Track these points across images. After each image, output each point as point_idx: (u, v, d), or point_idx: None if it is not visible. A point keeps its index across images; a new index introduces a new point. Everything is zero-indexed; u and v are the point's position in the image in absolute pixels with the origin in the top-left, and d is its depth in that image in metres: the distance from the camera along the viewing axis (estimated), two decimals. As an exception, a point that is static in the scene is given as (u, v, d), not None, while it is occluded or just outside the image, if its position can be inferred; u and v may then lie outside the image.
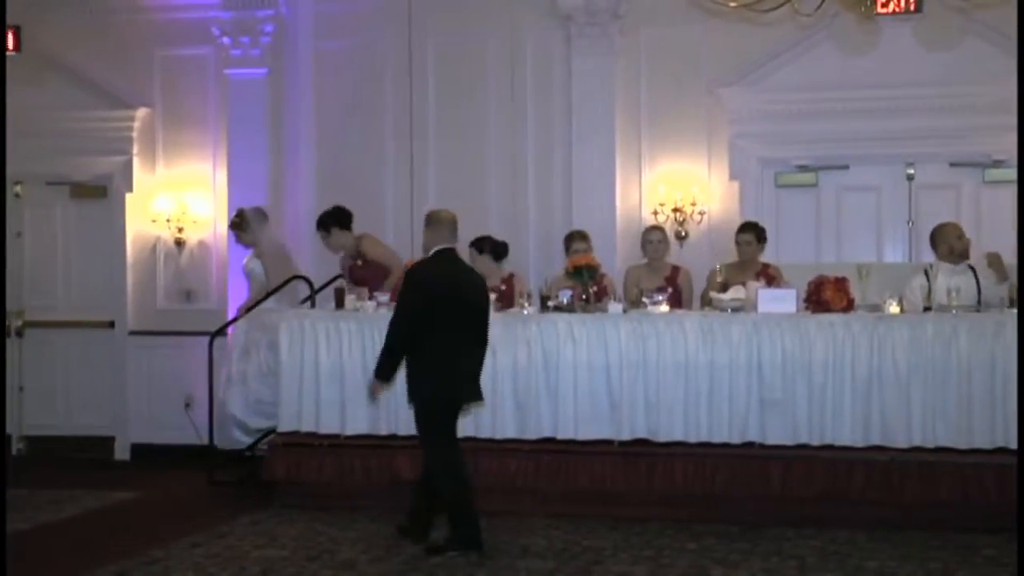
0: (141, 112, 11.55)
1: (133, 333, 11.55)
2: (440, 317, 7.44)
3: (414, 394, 7.54)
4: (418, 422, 7.67)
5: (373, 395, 8.14)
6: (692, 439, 8.44)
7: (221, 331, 10.00)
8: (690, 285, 9.64)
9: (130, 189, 11.59)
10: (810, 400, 8.23)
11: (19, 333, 11.86)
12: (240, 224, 10.05)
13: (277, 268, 9.95)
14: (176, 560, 7.34)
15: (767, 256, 9.67)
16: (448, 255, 7.69)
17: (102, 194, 11.76)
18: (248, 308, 9.81)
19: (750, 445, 8.35)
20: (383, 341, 7.61)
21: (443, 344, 7.47)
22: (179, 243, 11.47)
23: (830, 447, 8.22)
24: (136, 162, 11.59)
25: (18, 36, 11.69)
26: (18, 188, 11.89)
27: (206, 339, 10.01)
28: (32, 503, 8.86)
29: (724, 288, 9.08)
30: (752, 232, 9.51)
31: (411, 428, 8.70)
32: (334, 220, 9.92)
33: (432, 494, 7.69)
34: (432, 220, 7.81)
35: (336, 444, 8.82)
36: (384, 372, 7.59)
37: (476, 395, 7.74)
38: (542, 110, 11.10)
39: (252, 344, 9.66)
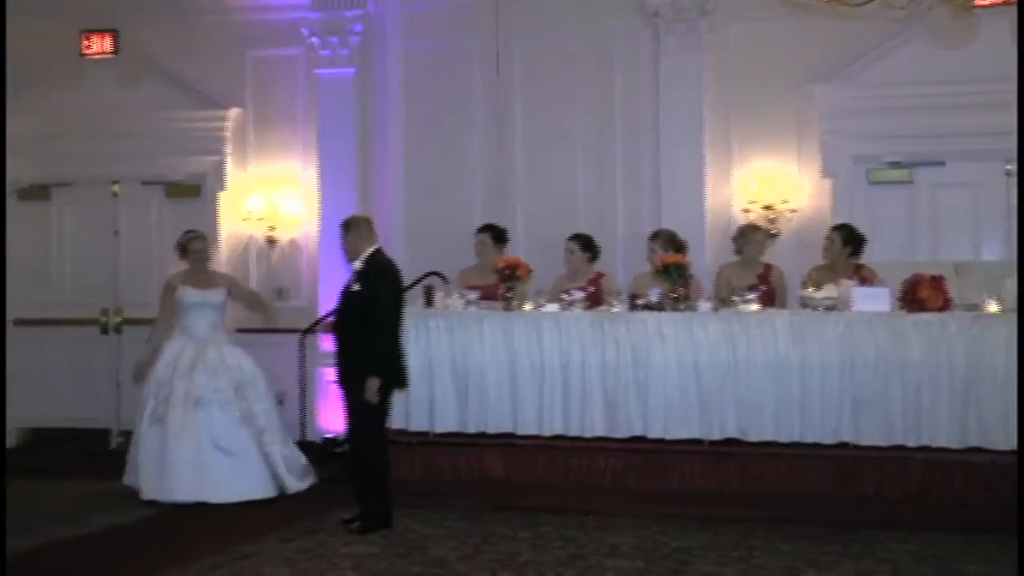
0: (233, 112, 11.70)
1: (227, 330, 11.69)
2: (400, 309, 8.22)
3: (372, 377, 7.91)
4: (356, 412, 7.98)
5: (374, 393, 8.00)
6: (783, 439, 8.38)
7: (312, 328, 10.07)
8: (783, 283, 9.51)
9: (223, 188, 11.75)
10: (905, 400, 8.12)
11: (117, 330, 12.06)
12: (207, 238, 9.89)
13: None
14: (268, 555, 7.41)
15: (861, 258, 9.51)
16: (383, 251, 8.25)
17: (196, 193, 11.92)
18: None
19: (843, 446, 8.26)
20: (384, 338, 7.96)
21: (400, 331, 8.19)
22: (271, 241, 11.59)
23: (926, 448, 8.11)
24: (229, 161, 11.75)
25: (116, 39, 11.90)
26: (116, 188, 12.09)
27: (297, 336, 10.09)
28: (132, 497, 8.94)
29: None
30: (838, 232, 9.36)
31: (500, 426, 8.79)
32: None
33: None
34: (354, 225, 8.28)
35: (425, 442, 8.86)
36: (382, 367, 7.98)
37: None
38: (630, 108, 11.07)
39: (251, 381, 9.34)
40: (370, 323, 7.89)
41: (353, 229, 8.23)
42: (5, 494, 4.36)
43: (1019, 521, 6.48)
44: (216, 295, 9.43)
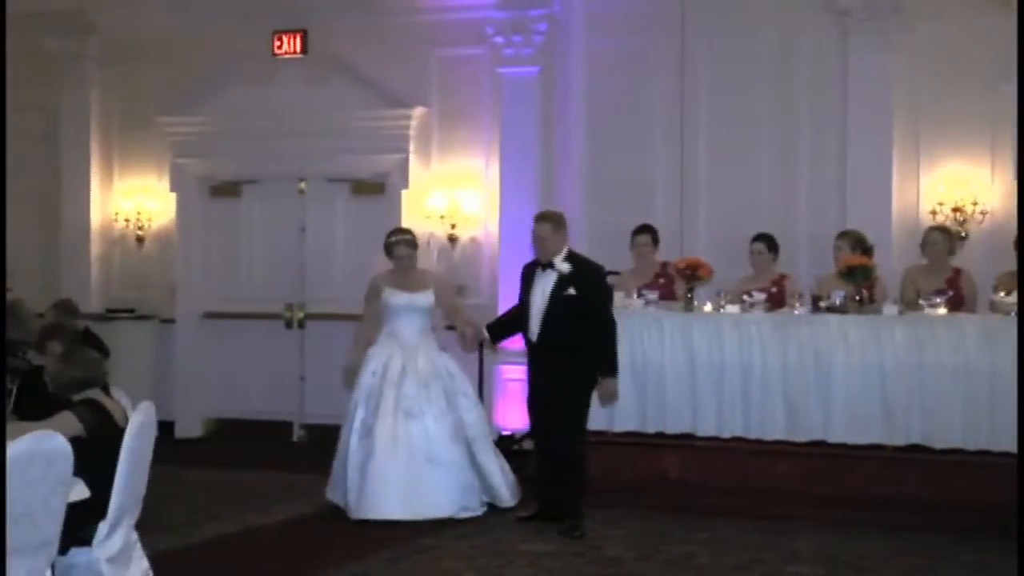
0: (418, 111, 11.84)
1: (408, 326, 11.83)
2: None
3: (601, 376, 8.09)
4: (570, 415, 8.01)
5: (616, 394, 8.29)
6: (971, 447, 8.15)
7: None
8: (973, 288, 9.20)
9: (406, 186, 11.89)
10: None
11: (301, 325, 12.34)
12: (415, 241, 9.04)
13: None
14: (446, 549, 7.51)
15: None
16: None
17: (380, 191, 12.10)
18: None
19: (1034, 455, 7.99)
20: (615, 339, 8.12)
21: None
22: (452, 239, 11.72)
23: (1123, 460, 7.79)
24: (412, 159, 11.89)
25: (305, 39, 12.16)
26: (302, 185, 12.36)
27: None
28: (314, 489, 9.03)
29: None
30: None
31: (679, 427, 8.76)
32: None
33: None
34: (560, 222, 8.19)
35: (604, 441, 8.84)
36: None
37: None
38: (816, 108, 10.88)
39: (462, 390, 8.78)
40: (601, 327, 8.01)
41: (560, 226, 8.17)
42: (4, 489, 4.57)
43: (1019, 521, 6.23)
44: (425, 297, 8.71)
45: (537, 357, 8.19)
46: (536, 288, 8.16)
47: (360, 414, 8.48)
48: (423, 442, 8.36)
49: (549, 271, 8.11)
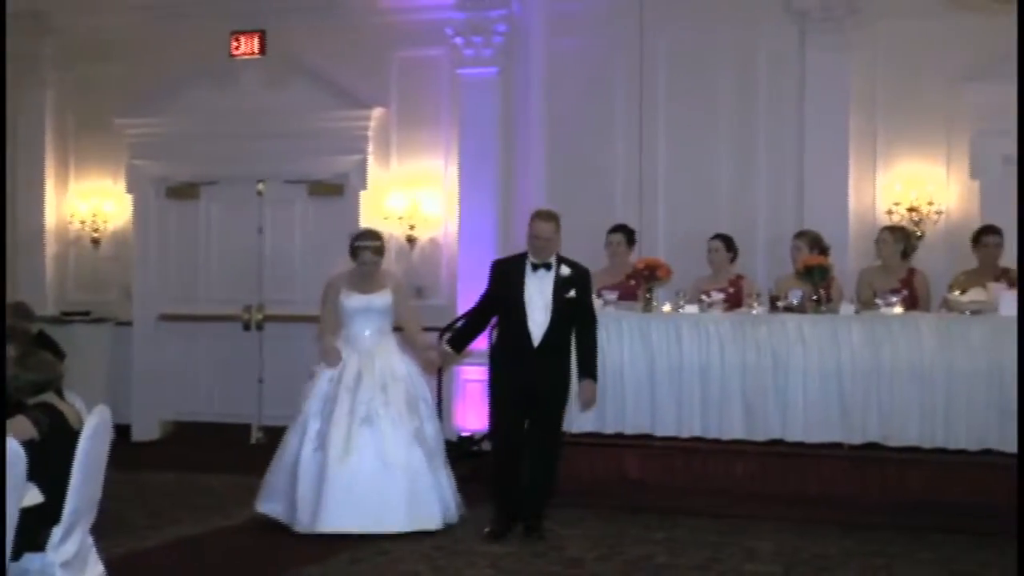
0: (376, 112, 11.81)
1: (367, 328, 11.80)
2: None
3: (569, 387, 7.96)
4: (560, 415, 7.94)
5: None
6: (927, 445, 8.21)
7: (450, 327, 10.14)
8: (927, 288, 9.29)
9: (364, 187, 11.86)
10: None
11: (259, 327, 12.28)
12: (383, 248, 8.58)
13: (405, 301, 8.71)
14: (406, 551, 7.46)
15: (1010, 259, 9.27)
16: None
17: (338, 192, 12.06)
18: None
19: (988, 453, 8.06)
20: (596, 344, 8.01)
21: None
22: (411, 240, 11.70)
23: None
24: (371, 160, 11.87)
25: (263, 40, 12.11)
26: (260, 186, 12.30)
27: (435, 335, 10.16)
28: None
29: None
30: (997, 234, 9.16)
31: (638, 427, 8.79)
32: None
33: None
34: (559, 223, 7.88)
35: (563, 442, 8.83)
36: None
37: None
38: (773, 107, 10.94)
39: (424, 396, 8.36)
40: (590, 329, 7.91)
41: (559, 226, 7.85)
42: (4, 489, 4.55)
43: (1019, 522, 6.29)
44: (381, 298, 8.28)
45: (532, 359, 7.75)
46: (530, 289, 7.78)
47: (315, 425, 8.03)
48: (377, 449, 7.89)
49: (543, 272, 7.80)
